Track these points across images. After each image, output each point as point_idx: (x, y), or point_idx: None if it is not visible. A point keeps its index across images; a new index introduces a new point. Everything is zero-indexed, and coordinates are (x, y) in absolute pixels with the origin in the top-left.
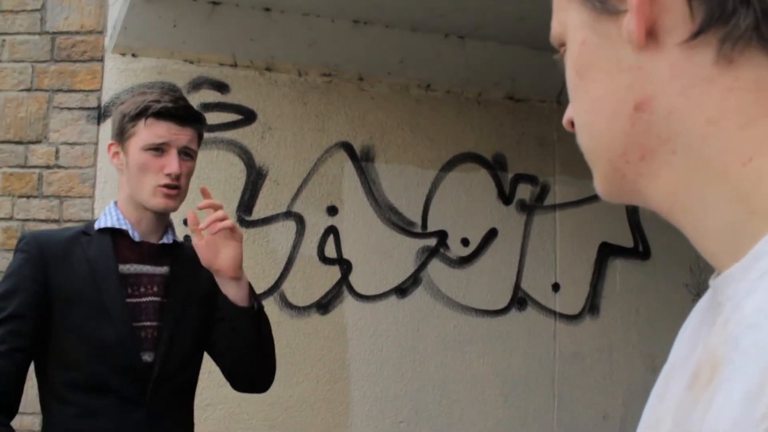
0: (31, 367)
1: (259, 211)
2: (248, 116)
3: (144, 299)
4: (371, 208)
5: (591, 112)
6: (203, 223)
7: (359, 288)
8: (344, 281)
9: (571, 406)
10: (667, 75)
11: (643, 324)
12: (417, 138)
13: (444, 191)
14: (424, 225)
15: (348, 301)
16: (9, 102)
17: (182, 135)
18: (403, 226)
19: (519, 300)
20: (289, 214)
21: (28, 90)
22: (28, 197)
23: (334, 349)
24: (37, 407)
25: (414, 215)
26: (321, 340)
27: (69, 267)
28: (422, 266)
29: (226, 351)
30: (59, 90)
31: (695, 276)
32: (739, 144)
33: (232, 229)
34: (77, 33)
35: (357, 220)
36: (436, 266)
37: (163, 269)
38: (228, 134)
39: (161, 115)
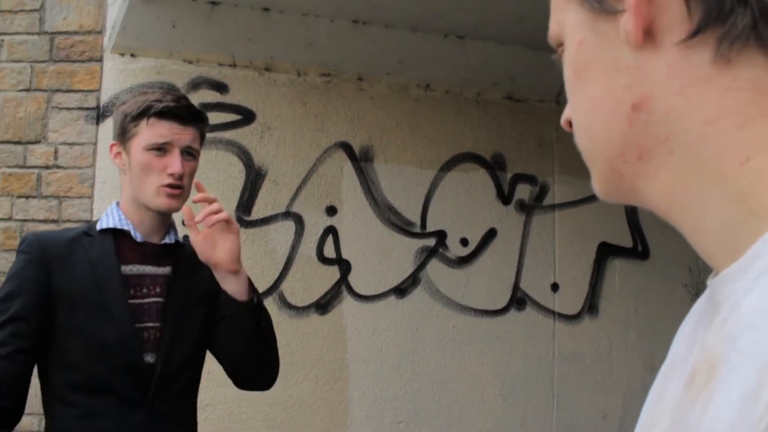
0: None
1: (258, 211)
2: (247, 116)
3: (147, 300)
4: (370, 208)
5: (589, 112)
6: (198, 216)
7: (358, 288)
8: (343, 281)
9: (571, 406)
10: (665, 75)
11: (642, 324)
12: (416, 138)
13: (443, 191)
14: (423, 225)
15: (347, 301)
16: (8, 102)
17: (185, 134)
18: (402, 226)
19: (518, 300)
20: (288, 214)
21: (27, 90)
22: (27, 197)
23: (333, 349)
24: (36, 408)
25: (413, 215)
26: (320, 340)
27: (71, 268)
28: (421, 266)
29: (228, 348)
30: (58, 90)
31: (694, 276)
32: (736, 144)
33: (227, 222)
34: (76, 33)
35: (356, 220)
36: (435, 266)
37: (166, 269)
38: (227, 134)
39: (163, 114)
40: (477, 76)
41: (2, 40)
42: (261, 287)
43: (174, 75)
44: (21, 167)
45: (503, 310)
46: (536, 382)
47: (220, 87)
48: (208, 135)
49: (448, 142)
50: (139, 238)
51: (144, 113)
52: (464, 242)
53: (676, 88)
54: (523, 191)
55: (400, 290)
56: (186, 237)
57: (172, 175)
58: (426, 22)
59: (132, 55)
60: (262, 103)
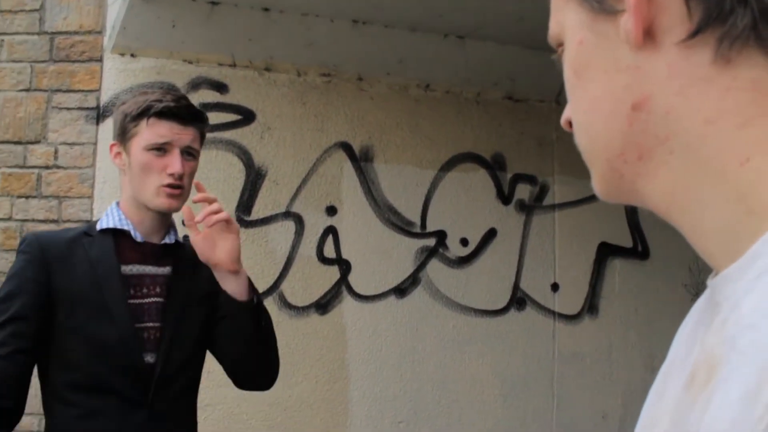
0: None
1: (258, 212)
2: (247, 116)
3: (147, 300)
4: (370, 208)
5: (589, 112)
6: (198, 216)
7: (358, 288)
8: (343, 281)
9: (570, 406)
10: (665, 75)
11: (642, 324)
12: (416, 138)
13: (443, 191)
14: (423, 225)
15: (347, 301)
16: (8, 102)
17: (185, 134)
18: (402, 226)
19: (518, 300)
20: (288, 214)
21: (27, 90)
22: (26, 197)
23: (333, 349)
24: (36, 408)
25: (413, 215)
26: (320, 340)
27: (71, 268)
28: (421, 266)
29: (228, 348)
30: (58, 90)
31: (694, 276)
32: (736, 144)
33: (227, 222)
34: (76, 33)
35: (356, 220)
36: (435, 266)
37: (166, 269)
38: (227, 134)
39: (163, 114)
40: (477, 76)
41: (2, 40)
42: (261, 287)
43: (174, 75)
44: (21, 167)
45: (503, 310)
46: (536, 382)
47: (220, 87)
48: (208, 135)
49: (448, 142)
50: (139, 238)
51: (144, 113)
52: (464, 242)
53: (676, 88)
54: (523, 191)
55: (400, 290)
56: (186, 237)
57: (172, 175)
58: (426, 22)
59: (132, 55)
60: (262, 103)
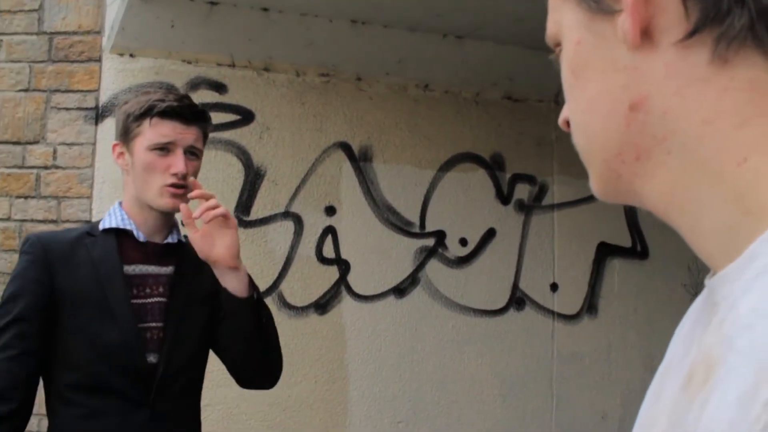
0: None
1: (257, 212)
2: (246, 116)
3: (150, 300)
4: (369, 208)
5: (586, 112)
6: (196, 212)
7: (357, 288)
8: (342, 281)
9: (570, 406)
10: (663, 75)
11: (641, 324)
12: (415, 138)
13: (442, 191)
14: (423, 225)
15: (346, 301)
16: (6, 102)
17: (188, 134)
18: (402, 226)
19: (517, 300)
20: (287, 215)
21: (26, 90)
22: (25, 198)
23: (333, 349)
24: (36, 408)
25: (412, 215)
26: (319, 340)
27: (73, 268)
28: (420, 266)
29: (230, 346)
30: (57, 90)
31: (693, 276)
32: (734, 144)
33: (225, 217)
34: (75, 33)
35: (355, 220)
36: (434, 266)
37: (168, 269)
38: (226, 134)
39: (166, 114)
40: (476, 76)
41: (1, 41)
42: (260, 287)
43: (173, 75)
44: (20, 167)
45: (502, 310)
46: (535, 382)
47: (219, 87)
48: None
49: (447, 142)
50: (141, 237)
51: (147, 113)
52: (463, 242)
53: (674, 89)
54: (522, 191)
55: (400, 290)
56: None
57: (175, 174)
58: (425, 22)
59: (131, 55)
60: (261, 103)
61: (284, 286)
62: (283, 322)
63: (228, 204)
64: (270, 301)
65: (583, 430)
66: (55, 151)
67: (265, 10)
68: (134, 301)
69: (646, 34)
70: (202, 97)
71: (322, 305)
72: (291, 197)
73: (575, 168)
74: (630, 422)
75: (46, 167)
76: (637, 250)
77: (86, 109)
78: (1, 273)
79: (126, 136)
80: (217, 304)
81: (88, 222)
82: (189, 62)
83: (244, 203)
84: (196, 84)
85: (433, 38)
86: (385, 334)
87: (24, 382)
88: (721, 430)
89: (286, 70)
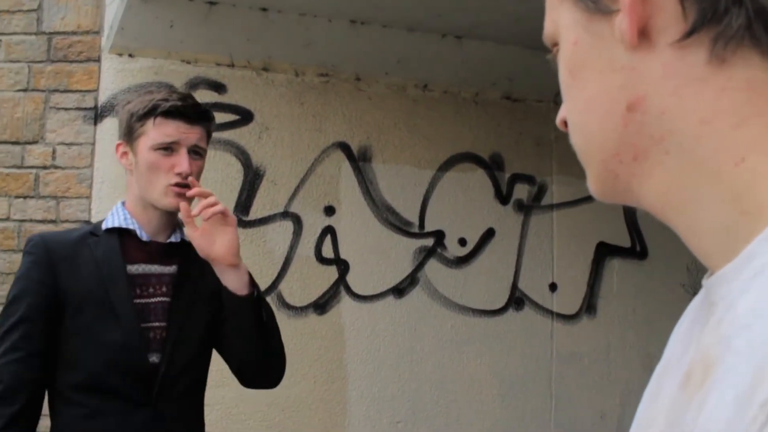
0: None
1: (256, 212)
2: (245, 116)
3: (153, 300)
4: (368, 208)
5: (584, 112)
6: (195, 210)
7: (356, 288)
8: (341, 281)
9: (569, 406)
10: (660, 75)
11: (640, 324)
12: (414, 138)
13: (441, 191)
14: (422, 225)
15: (345, 302)
16: (5, 102)
17: (191, 133)
18: (401, 226)
19: (516, 300)
20: (286, 215)
21: (25, 90)
22: (24, 198)
23: (332, 349)
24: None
25: (411, 215)
26: (318, 340)
27: (76, 268)
28: (419, 266)
29: (232, 345)
30: (56, 90)
31: (692, 276)
32: (731, 144)
33: (224, 214)
34: (74, 33)
35: (354, 220)
36: (433, 266)
37: (172, 268)
38: (225, 134)
39: (170, 113)
40: (475, 76)
41: (0, 41)
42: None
43: (172, 75)
44: (19, 167)
45: (501, 310)
46: (534, 382)
47: (218, 87)
48: None
49: (446, 142)
50: (144, 237)
51: (150, 112)
52: (462, 242)
53: (671, 89)
54: (521, 191)
55: (399, 290)
56: None
57: (179, 174)
58: (424, 22)
59: (130, 55)
60: (260, 103)
61: (283, 286)
62: (282, 322)
63: (227, 204)
64: (269, 301)
65: (582, 429)
66: (54, 151)
67: (264, 10)
68: (137, 300)
69: (644, 34)
70: (201, 97)
71: (321, 305)
72: (290, 197)
73: (574, 168)
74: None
75: (44, 167)
76: (636, 250)
77: (85, 109)
78: (0, 273)
79: (129, 135)
80: (221, 304)
81: (87, 222)
82: (188, 62)
83: (243, 203)
84: (195, 84)
85: (432, 38)
86: (384, 334)
87: (29, 384)
88: (718, 430)
89: (285, 70)
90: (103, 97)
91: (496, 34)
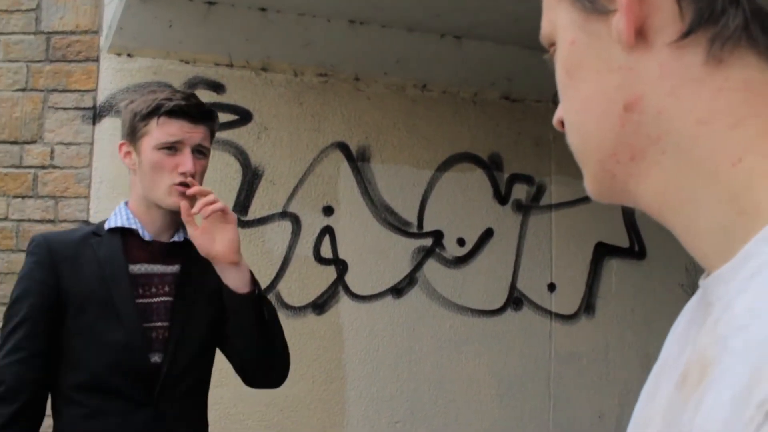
0: None
1: (254, 212)
2: (244, 116)
3: (155, 299)
4: (367, 208)
5: (581, 112)
6: (194, 208)
7: (355, 288)
8: (340, 281)
9: (567, 406)
10: (657, 75)
11: (638, 324)
12: (413, 138)
13: (440, 191)
14: (420, 225)
15: (344, 302)
16: (4, 102)
17: (195, 133)
18: (399, 226)
19: (515, 300)
20: (284, 215)
21: (23, 90)
22: (23, 197)
23: (330, 349)
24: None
25: (410, 215)
26: (317, 340)
27: (79, 268)
28: (418, 266)
29: (235, 344)
30: (54, 90)
31: (691, 276)
32: (728, 144)
33: (224, 211)
34: (72, 33)
35: (353, 220)
36: (431, 266)
37: (174, 268)
38: (224, 134)
39: (174, 113)
40: (474, 76)
41: None
42: None
43: (171, 75)
44: (17, 167)
45: (500, 310)
46: (533, 382)
47: (217, 87)
48: None
49: (445, 142)
50: (147, 236)
51: (154, 112)
52: (461, 242)
53: (668, 89)
54: (520, 191)
55: (397, 290)
56: None
57: (183, 174)
58: (423, 22)
59: (129, 55)
60: (258, 103)
61: (282, 286)
62: (280, 322)
63: (226, 204)
64: None
65: (580, 429)
66: (52, 151)
67: (263, 10)
68: (139, 300)
69: (641, 35)
70: (199, 96)
71: (319, 305)
72: (289, 197)
73: (573, 168)
74: (627, 422)
75: (43, 167)
76: (635, 251)
77: (84, 108)
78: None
79: (133, 135)
80: (224, 303)
81: (86, 222)
82: (187, 62)
83: (242, 203)
84: (194, 84)
85: (431, 38)
86: (382, 334)
87: (31, 384)
88: (715, 431)
89: (284, 70)
90: (101, 97)
91: (495, 34)
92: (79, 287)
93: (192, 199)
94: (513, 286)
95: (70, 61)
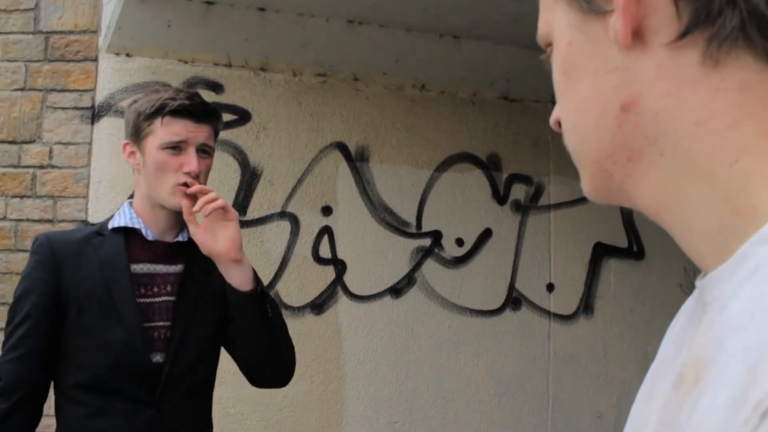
0: None
1: (253, 212)
2: (243, 116)
3: (157, 299)
4: (366, 208)
5: (578, 113)
6: (196, 206)
7: (354, 288)
8: (339, 281)
9: (566, 406)
10: (654, 76)
11: (637, 324)
12: (412, 138)
13: (438, 191)
14: (419, 225)
15: (342, 302)
16: (2, 101)
17: (199, 132)
18: (398, 227)
19: (513, 300)
20: (283, 215)
21: (22, 89)
22: (21, 197)
23: (329, 349)
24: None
25: (408, 215)
26: (315, 340)
27: (80, 268)
28: (417, 266)
29: (239, 344)
30: (53, 90)
31: (689, 276)
32: (726, 145)
33: (225, 209)
34: (71, 32)
35: (351, 220)
36: (430, 266)
37: (177, 268)
38: (222, 134)
39: (178, 112)
40: (473, 76)
41: None
42: None
43: (169, 75)
44: (15, 167)
45: (499, 311)
46: (531, 382)
47: (216, 87)
48: None
49: (444, 142)
50: (150, 236)
51: (158, 112)
52: (459, 242)
53: (665, 89)
54: (518, 191)
55: (396, 290)
56: None
57: (188, 173)
58: (422, 22)
59: (127, 55)
60: (257, 103)
61: (280, 286)
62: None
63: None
64: None
65: (579, 429)
66: (51, 151)
67: (262, 9)
68: (141, 300)
69: (638, 35)
70: None
71: (318, 305)
72: (287, 197)
73: (572, 168)
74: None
75: (41, 167)
76: (633, 251)
77: (82, 108)
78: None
79: (137, 135)
80: (227, 303)
81: (84, 222)
82: (186, 62)
83: (241, 203)
84: (192, 84)
85: (430, 38)
86: (381, 335)
87: (29, 381)
88: None
89: (283, 70)
90: (100, 97)
91: (493, 35)
92: (79, 287)
93: (193, 198)
94: (512, 286)
95: (69, 61)
